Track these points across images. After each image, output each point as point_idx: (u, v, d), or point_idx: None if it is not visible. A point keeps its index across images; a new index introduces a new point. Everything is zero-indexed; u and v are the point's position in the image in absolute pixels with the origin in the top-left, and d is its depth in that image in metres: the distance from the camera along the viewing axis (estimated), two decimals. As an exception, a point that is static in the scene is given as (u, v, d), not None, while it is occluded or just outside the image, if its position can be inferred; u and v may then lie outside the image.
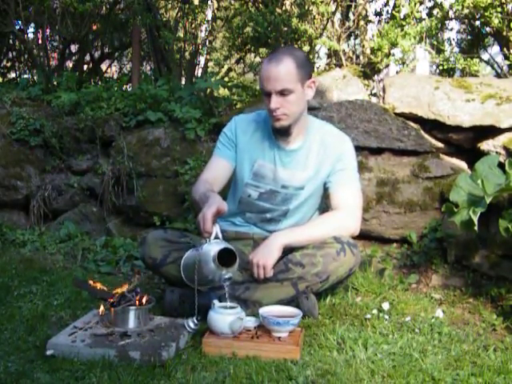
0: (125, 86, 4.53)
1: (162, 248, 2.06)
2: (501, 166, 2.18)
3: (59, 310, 2.08)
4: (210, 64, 4.86)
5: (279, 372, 1.57)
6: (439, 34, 3.92)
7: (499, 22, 3.31)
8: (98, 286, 1.93)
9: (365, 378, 1.55)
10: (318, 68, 4.11)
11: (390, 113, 2.92)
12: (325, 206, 2.28)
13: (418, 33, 3.44)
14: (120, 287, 1.90)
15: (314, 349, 1.75)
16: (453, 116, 2.70)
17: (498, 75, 3.90)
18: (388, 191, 2.73)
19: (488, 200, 1.94)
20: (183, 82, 4.47)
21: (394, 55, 3.65)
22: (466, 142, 2.77)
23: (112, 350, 1.63)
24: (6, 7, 4.21)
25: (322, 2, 3.64)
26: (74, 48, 5.22)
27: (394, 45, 3.46)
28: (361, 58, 3.81)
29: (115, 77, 5.75)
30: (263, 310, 1.81)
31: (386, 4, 3.84)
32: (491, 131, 2.60)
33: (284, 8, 3.92)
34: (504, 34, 3.43)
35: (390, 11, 3.76)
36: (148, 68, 5.53)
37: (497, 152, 2.53)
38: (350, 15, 3.85)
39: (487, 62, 4.17)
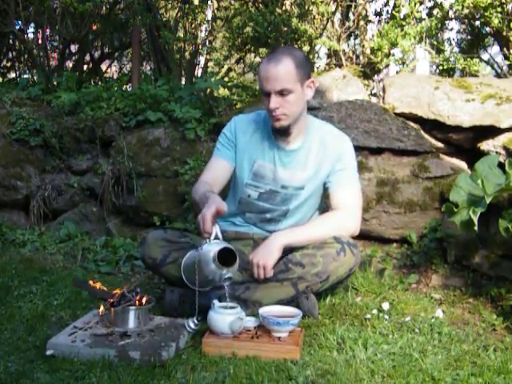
0: (125, 86, 4.53)
1: (162, 248, 2.06)
2: (501, 166, 2.18)
3: (59, 310, 2.08)
4: (210, 64, 4.85)
5: (279, 372, 1.57)
6: (439, 34, 3.92)
7: (499, 22, 3.31)
8: (98, 286, 1.93)
9: (365, 377, 1.55)
10: (317, 68, 4.11)
11: (389, 113, 2.92)
12: (325, 205, 2.28)
13: (418, 33, 3.44)
14: (120, 288, 1.90)
15: (314, 349, 1.75)
16: (453, 116, 2.70)
17: (498, 75, 3.90)
18: (388, 191, 2.73)
19: (488, 200, 1.94)
20: (183, 82, 4.47)
21: (393, 55, 3.65)
22: (466, 142, 2.77)
23: (112, 350, 1.63)
24: (6, 7, 4.21)
25: (321, 2, 3.63)
26: (74, 48, 5.22)
27: (393, 45, 3.46)
28: (361, 57, 3.81)
29: (115, 77, 5.75)
30: (263, 310, 1.81)
31: (386, 4, 3.84)
32: (491, 131, 2.60)
33: (284, 8, 3.92)
34: (504, 34, 3.43)
35: (389, 11, 3.75)
36: (148, 68, 5.53)
37: (497, 152, 2.53)
38: (350, 15, 3.84)
39: (487, 62, 4.17)
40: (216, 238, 1.82)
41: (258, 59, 4.47)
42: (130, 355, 1.62)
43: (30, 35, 4.85)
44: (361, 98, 3.09)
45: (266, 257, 1.94)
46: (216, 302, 1.81)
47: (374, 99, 3.37)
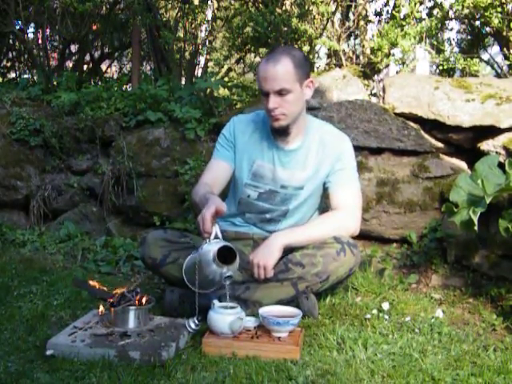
0: (125, 86, 4.53)
1: (162, 248, 2.06)
2: (501, 166, 2.18)
3: (59, 310, 2.08)
4: (210, 64, 4.85)
5: (279, 372, 1.57)
6: (439, 34, 3.92)
7: (499, 22, 3.31)
8: (98, 285, 1.93)
9: (365, 377, 1.55)
10: (317, 68, 4.11)
11: (389, 113, 2.92)
12: (325, 205, 2.28)
13: (418, 33, 3.44)
14: (120, 287, 1.90)
15: (314, 349, 1.75)
16: (453, 116, 2.70)
17: (498, 75, 3.90)
18: (388, 191, 2.73)
19: (488, 200, 1.94)
20: (183, 82, 4.47)
21: (393, 55, 3.65)
22: (466, 142, 2.77)
23: (112, 350, 1.63)
24: (6, 7, 4.21)
25: (322, 2, 3.63)
26: (74, 48, 5.22)
27: (394, 45, 3.46)
28: (361, 58, 3.81)
29: (115, 77, 5.74)
30: (263, 310, 1.82)
31: (386, 4, 3.84)
32: (491, 131, 2.60)
33: (284, 8, 3.92)
34: (504, 34, 3.43)
35: (390, 11, 3.76)
36: (148, 68, 5.53)
37: (497, 152, 2.53)
38: (350, 15, 3.85)
39: (487, 62, 4.17)
40: (216, 237, 1.82)
41: (258, 59, 4.47)
42: (130, 355, 1.62)
43: (30, 35, 4.86)
44: (361, 98, 3.09)
45: (267, 257, 1.94)
46: (216, 302, 1.81)
47: (374, 99, 3.37)
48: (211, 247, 1.78)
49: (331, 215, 2.11)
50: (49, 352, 1.63)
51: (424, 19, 3.56)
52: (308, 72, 2.06)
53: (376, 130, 2.85)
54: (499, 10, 3.27)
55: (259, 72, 2.02)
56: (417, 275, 2.54)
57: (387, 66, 3.77)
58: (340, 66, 3.68)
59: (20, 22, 4.48)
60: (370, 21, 3.91)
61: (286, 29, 3.64)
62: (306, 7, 3.71)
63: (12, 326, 1.90)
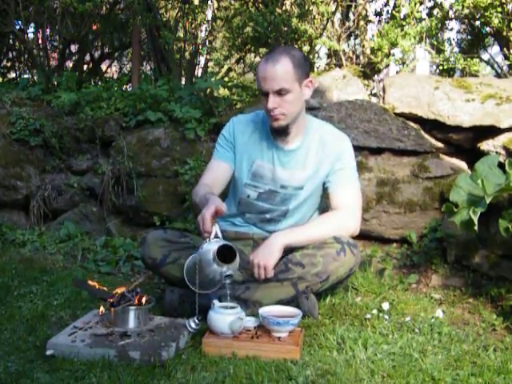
0: (125, 86, 4.53)
1: (162, 248, 2.06)
2: (501, 166, 2.18)
3: (59, 310, 2.08)
4: (210, 64, 4.85)
5: (279, 372, 1.57)
6: (439, 34, 3.92)
7: (499, 22, 3.31)
8: (98, 286, 1.93)
9: (365, 377, 1.55)
10: (317, 68, 4.11)
11: (389, 113, 2.92)
12: (325, 205, 2.28)
13: (417, 33, 3.44)
14: (121, 287, 1.90)
15: (314, 349, 1.75)
16: (453, 116, 2.70)
17: (498, 75, 3.90)
18: (388, 191, 2.73)
19: (488, 200, 1.94)
20: (183, 82, 4.47)
21: (394, 55, 3.65)
22: (466, 142, 2.77)
23: (112, 350, 1.63)
24: (6, 7, 4.21)
25: (322, 2, 3.64)
26: (74, 48, 5.22)
27: (393, 45, 3.46)
28: (361, 58, 3.81)
29: (115, 77, 5.74)
30: (263, 310, 1.82)
31: (386, 4, 3.84)
32: (491, 131, 2.60)
33: (284, 8, 3.92)
34: (504, 34, 3.43)
35: (390, 11, 3.76)
36: (148, 68, 5.52)
37: (497, 152, 2.53)
38: (350, 15, 3.85)
39: (487, 62, 4.17)
40: (216, 237, 1.83)
41: (258, 59, 4.47)
42: (129, 355, 1.62)
43: (30, 35, 4.86)
44: (361, 98, 3.09)
45: (267, 257, 1.94)
46: (216, 302, 1.81)
47: (374, 99, 3.37)
48: (211, 246, 1.79)
49: (331, 215, 2.11)
50: (49, 352, 1.63)
51: (424, 19, 3.56)
52: (307, 72, 2.05)
53: (376, 130, 2.85)
54: (499, 10, 3.28)
55: (258, 72, 2.02)
56: (417, 275, 2.54)
57: (387, 66, 3.77)
58: (340, 66, 3.68)
59: (20, 22, 4.48)
60: (370, 21, 3.91)
61: (286, 29, 3.65)
62: (306, 7, 3.71)
63: (12, 326, 1.90)
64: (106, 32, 5.01)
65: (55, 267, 2.74)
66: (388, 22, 3.63)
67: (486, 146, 2.60)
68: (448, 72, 3.66)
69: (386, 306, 2.12)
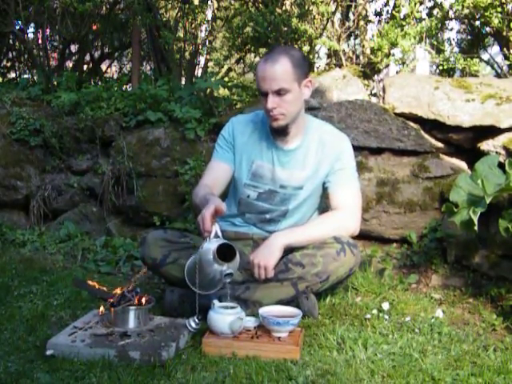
0: (125, 86, 4.53)
1: (162, 248, 2.06)
2: (501, 166, 2.18)
3: (59, 310, 2.08)
4: (210, 64, 4.85)
5: (279, 372, 1.57)
6: (439, 34, 3.92)
7: (499, 22, 3.31)
8: (98, 285, 1.93)
9: (365, 377, 1.55)
10: (317, 68, 4.11)
11: (389, 113, 2.92)
12: (325, 205, 2.28)
13: (418, 33, 3.44)
14: (121, 287, 1.90)
15: (314, 349, 1.75)
16: (453, 116, 2.70)
17: (498, 75, 3.90)
18: (388, 191, 2.73)
19: (488, 200, 1.94)
20: (183, 82, 4.47)
21: (393, 55, 3.65)
22: (466, 142, 2.77)
23: (112, 350, 1.63)
24: (6, 7, 4.21)
25: (322, 2, 3.63)
26: (74, 48, 5.22)
27: (394, 45, 3.46)
28: (361, 58, 3.81)
29: (115, 77, 5.74)
30: (263, 310, 1.82)
31: (386, 4, 3.84)
32: (491, 131, 2.60)
33: (284, 8, 3.92)
34: (504, 34, 3.43)
35: (390, 11, 3.75)
36: (148, 68, 5.52)
37: (497, 152, 2.53)
38: (350, 15, 3.85)
39: (487, 62, 4.17)
40: (216, 236, 1.83)
41: (258, 59, 4.46)
42: (129, 355, 1.62)
43: (30, 35, 4.86)
44: (361, 98, 3.09)
45: (267, 257, 1.94)
46: (216, 302, 1.81)
47: (374, 99, 3.37)
48: (211, 245, 1.79)
49: (331, 215, 2.11)
50: (49, 352, 1.63)
51: (424, 19, 3.56)
52: (307, 72, 2.05)
53: (376, 130, 2.85)
54: (499, 10, 3.27)
55: (258, 72, 2.02)
56: (417, 275, 2.54)
57: (387, 66, 3.77)
58: (340, 65, 3.68)
59: (20, 22, 4.48)
60: (370, 21, 3.91)
61: (286, 29, 3.64)
62: (306, 7, 3.71)
63: (12, 325, 1.90)
64: (106, 32, 5.01)
65: (55, 267, 2.74)
66: (388, 22, 3.63)
67: (485, 145, 2.60)
68: (448, 72, 3.66)
69: (385, 305, 2.12)
